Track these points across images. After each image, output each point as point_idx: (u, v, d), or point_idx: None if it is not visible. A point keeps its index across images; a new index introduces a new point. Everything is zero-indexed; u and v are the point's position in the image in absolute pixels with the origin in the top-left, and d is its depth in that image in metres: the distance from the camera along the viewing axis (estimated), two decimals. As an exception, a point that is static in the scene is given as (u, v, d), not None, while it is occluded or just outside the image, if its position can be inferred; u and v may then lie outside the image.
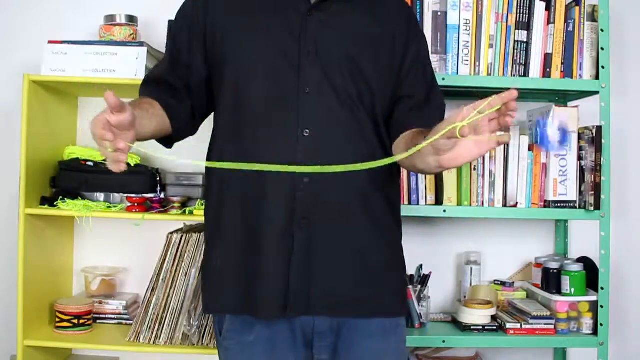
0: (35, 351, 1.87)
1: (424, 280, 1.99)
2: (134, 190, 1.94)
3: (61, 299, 1.97)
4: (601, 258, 1.85)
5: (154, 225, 2.04)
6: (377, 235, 1.33)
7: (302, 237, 1.25)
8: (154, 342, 1.86)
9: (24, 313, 1.82)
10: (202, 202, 1.87)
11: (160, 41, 2.06)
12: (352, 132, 1.29)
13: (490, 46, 1.89)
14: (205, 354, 1.83)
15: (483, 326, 1.91)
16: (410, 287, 1.92)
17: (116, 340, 1.89)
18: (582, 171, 1.89)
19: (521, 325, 1.89)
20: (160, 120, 1.29)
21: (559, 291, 1.95)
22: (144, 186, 1.95)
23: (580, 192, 1.89)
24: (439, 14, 1.89)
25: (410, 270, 1.84)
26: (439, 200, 1.91)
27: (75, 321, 1.91)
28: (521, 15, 1.89)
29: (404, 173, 1.86)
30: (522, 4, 1.89)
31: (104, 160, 1.95)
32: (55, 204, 1.89)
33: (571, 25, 1.90)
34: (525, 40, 1.89)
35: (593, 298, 1.89)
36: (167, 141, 1.38)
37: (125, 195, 1.96)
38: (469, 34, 1.89)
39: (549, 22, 1.90)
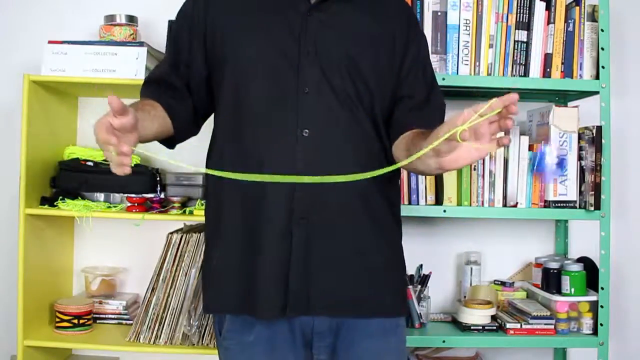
0: (35, 351, 1.87)
1: (424, 280, 1.99)
2: (134, 190, 1.94)
3: (61, 299, 1.97)
4: (601, 258, 1.85)
5: (154, 225, 2.04)
6: (377, 235, 1.33)
7: (301, 237, 1.25)
8: (154, 342, 1.86)
9: (24, 313, 1.82)
10: (202, 202, 1.87)
11: (160, 41, 2.06)
12: (352, 132, 1.29)
13: (490, 46, 1.89)
14: (205, 354, 1.83)
15: (483, 326, 1.91)
16: (410, 287, 1.92)
17: (116, 340, 1.89)
18: (582, 171, 1.88)
19: (521, 325, 1.89)
20: (162, 122, 1.29)
21: (559, 291, 1.95)
22: (144, 186, 1.95)
23: (581, 192, 1.88)
24: (439, 14, 1.89)
25: (410, 270, 1.84)
26: (439, 200, 1.91)
27: (75, 321, 1.91)
28: (521, 15, 1.89)
29: (404, 173, 1.86)
30: (522, 4, 1.89)
31: (104, 160, 1.96)
32: (55, 204, 1.89)
33: (571, 25, 1.90)
34: (525, 40, 1.89)
35: (593, 298, 1.89)
36: (170, 142, 1.38)
37: (125, 195, 1.96)
38: (469, 34, 1.89)
39: (549, 22, 1.90)
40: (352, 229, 1.29)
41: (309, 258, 1.26)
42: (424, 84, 1.39)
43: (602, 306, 1.86)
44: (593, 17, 1.90)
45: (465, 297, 2.06)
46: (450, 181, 1.88)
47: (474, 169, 1.88)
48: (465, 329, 1.92)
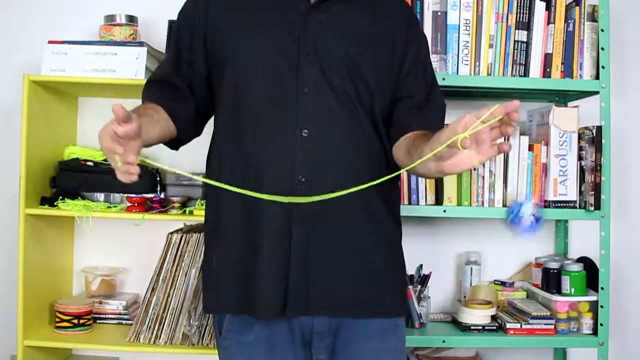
0: (35, 351, 1.87)
1: (424, 280, 1.99)
2: (134, 190, 1.94)
3: (61, 299, 1.97)
4: (601, 258, 1.85)
5: (154, 225, 2.04)
6: (377, 235, 1.33)
7: (300, 237, 1.25)
8: (154, 342, 1.86)
9: (24, 313, 1.82)
10: (202, 202, 1.87)
11: (160, 41, 2.06)
12: (351, 132, 1.29)
13: (490, 46, 1.89)
14: (205, 354, 1.83)
15: (483, 326, 1.91)
16: (410, 287, 1.92)
17: (116, 340, 1.89)
18: (582, 171, 1.88)
19: (521, 325, 1.89)
20: (165, 125, 1.29)
21: (559, 291, 1.95)
22: (144, 186, 1.95)
23: (581, 192, 1.88)
24: (439, 14, 1.89)
25: (410, 270, 1.84)
26: (439, 200, 1.91)
27: (75, 321, 1.91)
28: (521, 15, 1.89)
29: (404, 173, 1.85)
30: (522, 4, 1.89)
31: (104, 160, 1.96)
32: (55, 204, 1.89)
33: (571, 25, 1.90)
34: (525, 40, 1.89)
35: (593, 298, 1.89)
36: (174, 144, 1.38)
37: (125, 195, 1.96)
38: (469, 34, 1.88)
39: (549, 22, 1.90)
40: (351, 229, 1.29)
41: (309, 258, 1.26)
42: (424, 84, 1.39)
43: (602, 306, 1.86)
44: (593, 17, 1.90)
45: (465, 297, 2.06)
46: (450, 181, 1.87)
47: (474, 169, 1.87)
48: (465, 329, 1.92)
